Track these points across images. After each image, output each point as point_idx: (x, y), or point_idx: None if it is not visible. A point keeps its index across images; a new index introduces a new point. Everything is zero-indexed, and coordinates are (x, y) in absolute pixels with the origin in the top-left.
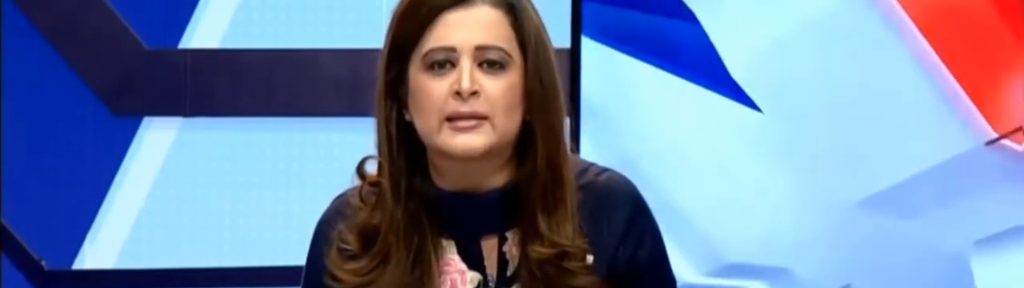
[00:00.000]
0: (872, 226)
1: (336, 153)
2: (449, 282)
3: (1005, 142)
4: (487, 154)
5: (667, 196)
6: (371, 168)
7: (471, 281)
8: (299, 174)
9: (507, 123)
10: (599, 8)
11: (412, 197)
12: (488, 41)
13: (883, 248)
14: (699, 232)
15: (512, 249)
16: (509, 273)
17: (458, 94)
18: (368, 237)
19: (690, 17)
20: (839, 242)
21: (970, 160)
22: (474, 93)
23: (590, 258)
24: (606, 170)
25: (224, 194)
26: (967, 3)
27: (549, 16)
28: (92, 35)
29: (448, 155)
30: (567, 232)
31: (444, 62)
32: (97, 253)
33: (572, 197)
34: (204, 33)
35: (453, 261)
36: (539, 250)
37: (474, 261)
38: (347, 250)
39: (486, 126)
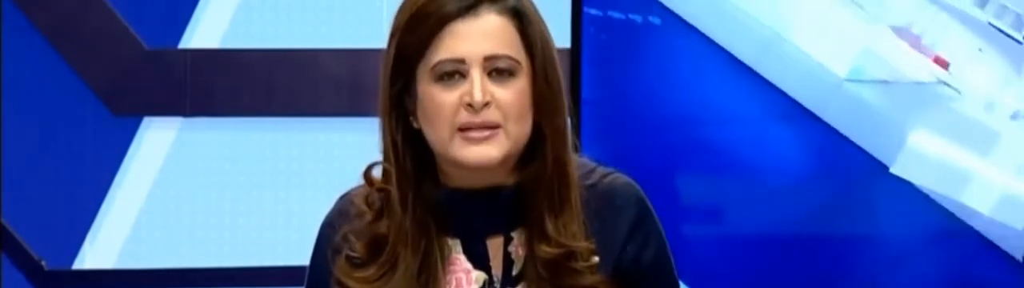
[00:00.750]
0: None
1: (336, 153)
2: (454, 282)
3: None
4: (502, 162)
5: (667, 196)
6: (377, 173)
7: (476, 281)
8: (299, 174)
9: (519, 130)
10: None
11: (419, 203)
12: (497, 50)
13: None
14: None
15: (518, 249)
16: (514, 273)
17: (470, 106)
18: (376, 246)
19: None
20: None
21: None
22: (486, 104)
23: (595, 258)
24: (612, 171)
25: (224, 194)
26: None
27: (549, 16)
28: (92, 35)
29: (463, 166)
30: (573, 232)
31: (453, 73)
32: (97, 253)
33: (577, 197)
34: (204, 33)
35: (459, 260)
36: (545, 250)
37: (480, 261)
38: (355, 258)
39: (499, 135)
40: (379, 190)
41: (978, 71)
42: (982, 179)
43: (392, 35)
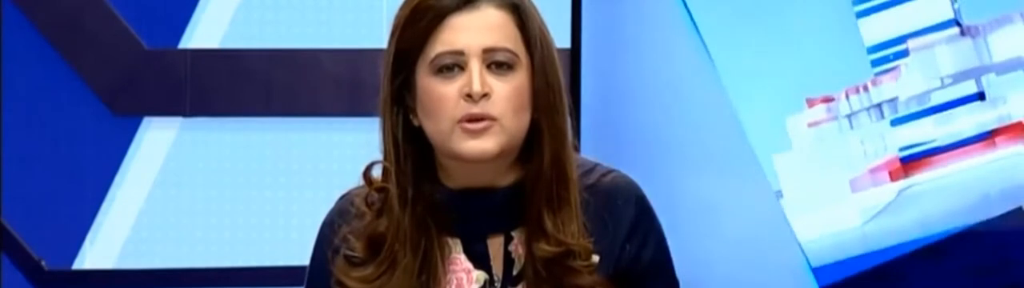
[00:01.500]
0: None
1: (336, 153)
2: (455, 281)
3: None
4: (498, 156)
5: (666, 196)
6: (377, 172)
7: (477, 280)
8: (299, 174)
9: (517, 124)
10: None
11: (419, 201)
12: (495, 43)
13: None
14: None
15: (518, 248)
16: (515, 272)
17: (469, 96)
18: (374, 245)
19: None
20: None
21: None
22: (485, 95)
23: (595, 258)
24: (611, 171)
25: (224, 194)
26: None
27: (549, 16)
28: (92, 35)
29: (461, 159)
30: (572, 231)
31: (452, 66)
32: (97, 253)
33: (576, 196)
34: (204, 33)
35: (459, 260)
36: (545, 249)
37: (480, 260)
38: (354, 257)
39: (496, 128)
40: (378, 189)
41: None
42: None
43: (393, 31)
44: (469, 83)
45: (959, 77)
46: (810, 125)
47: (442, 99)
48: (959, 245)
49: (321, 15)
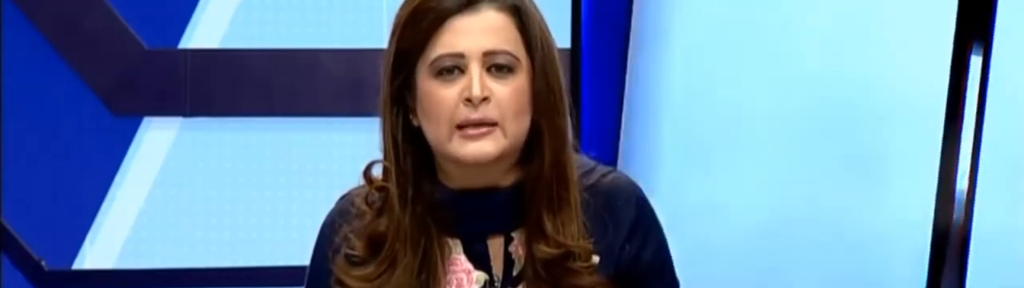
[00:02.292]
0: None
1: (336, 153)
2: (455, 282)
3: None
4: (498, 159)
5: (667, 196)
6: (377, 172)
7: (477, 281)
8: (299, 174)
9: (517, 127)
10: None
11: (419, 201)
12: (496, 46)
13: None
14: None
15: (518, 249)
16: (515, 273)
17: (469, 101)
18: (375, 244)
19: None
20: None
21: None
22: (485, 99)
23: (595, 259)
24: (611, 171)
25: (224, 194)
26: None
27: (549, 16)
28: (92, 35)
29: (460, 162)
30: (572, 232)
31: (452, 68)
32: (97, 253)
33: (576, 196)
34: (204, 33)
35: (459, 260)
36: (544, 250)
37: (480, 261)
38: (354, 256)
39: (497, 132)
40: (378, 189)
41: None
42: None
43: (393, 31)
44: (469, 87)
45: None
46: None
47: (442, 102)
48: None
49: (321, 15)
